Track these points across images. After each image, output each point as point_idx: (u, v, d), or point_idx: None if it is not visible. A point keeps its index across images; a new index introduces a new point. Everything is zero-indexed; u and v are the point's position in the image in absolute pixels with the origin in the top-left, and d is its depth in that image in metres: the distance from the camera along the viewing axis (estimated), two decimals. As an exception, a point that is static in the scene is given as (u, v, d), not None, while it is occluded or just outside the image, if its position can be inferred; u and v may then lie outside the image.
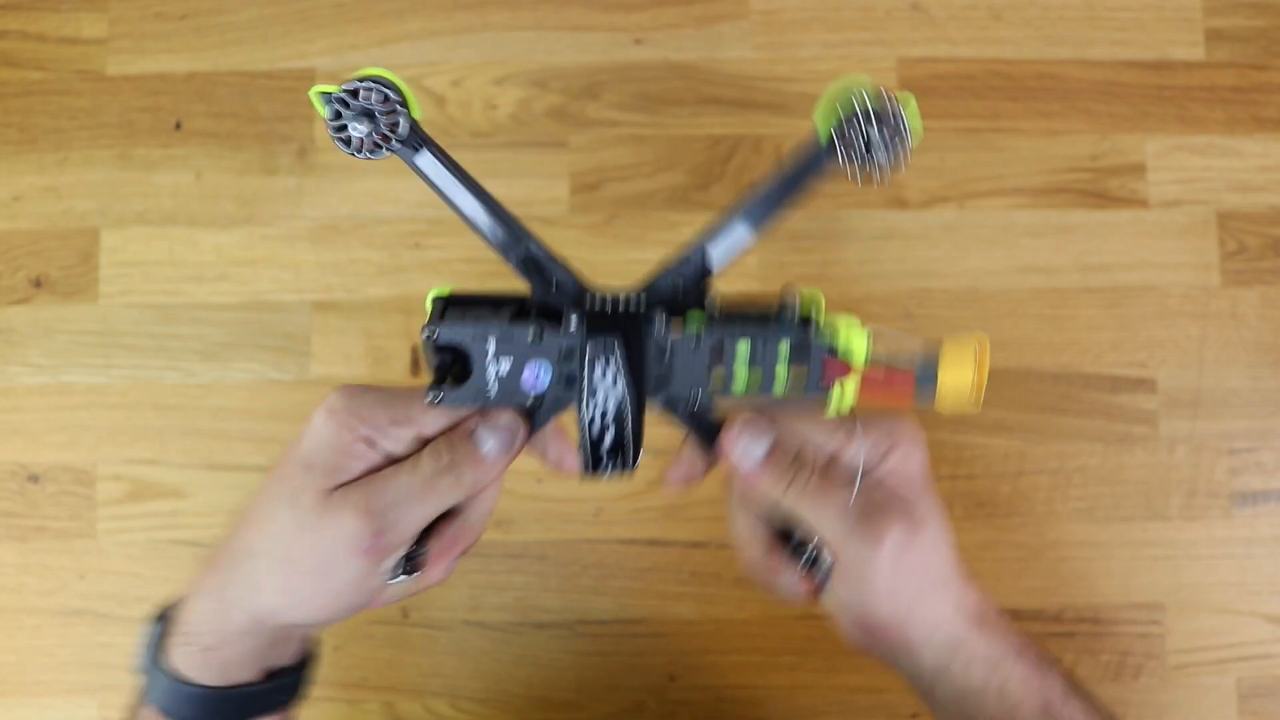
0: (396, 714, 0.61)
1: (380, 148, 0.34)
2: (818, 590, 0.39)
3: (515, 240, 0.36)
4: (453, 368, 0.35)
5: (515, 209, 0.68)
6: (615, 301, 0.37)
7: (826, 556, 0.38)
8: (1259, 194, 0.65)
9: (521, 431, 0.36)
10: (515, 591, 0.62)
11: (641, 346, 0.36)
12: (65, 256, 0.64)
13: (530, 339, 0.35)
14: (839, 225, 0.64)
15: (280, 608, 0.35)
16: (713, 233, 0.37)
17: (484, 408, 0.36)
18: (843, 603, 0.38)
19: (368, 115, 0.34)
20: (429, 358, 0.36)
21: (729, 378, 0.36)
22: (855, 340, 0.36)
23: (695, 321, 0.36)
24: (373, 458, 0.35)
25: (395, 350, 0.63)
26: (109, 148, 0.64)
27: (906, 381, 0.35)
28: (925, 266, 0.64)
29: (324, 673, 0.61)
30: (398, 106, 0.34)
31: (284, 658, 0.39)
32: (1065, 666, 0.40)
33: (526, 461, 0.43)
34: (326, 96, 0.33)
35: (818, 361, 0.36)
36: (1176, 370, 0.64)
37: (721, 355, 0.36)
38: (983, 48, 0.66)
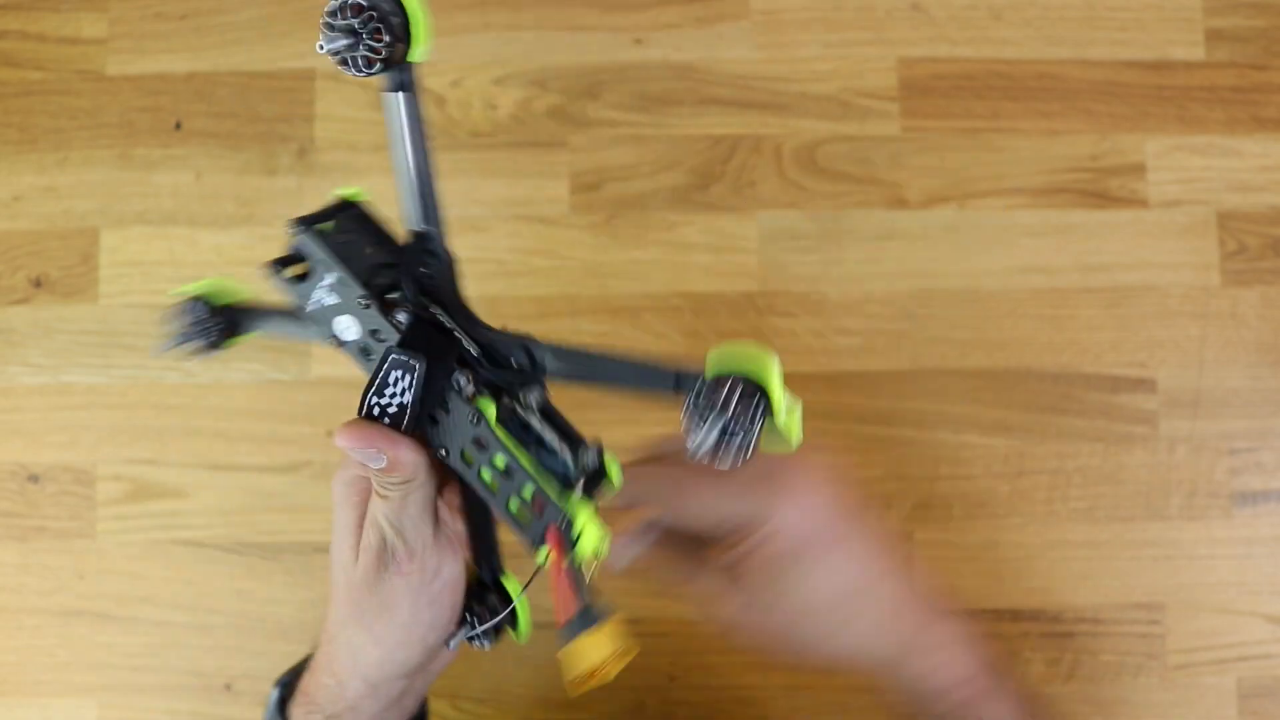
0: (396, 714, 0.61)
1: (368, 68, 0.33)
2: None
3: (422, 216, 0.36)
4: (300, 261, 0.36)
5: (515, 209, 0.68)
6: (452, 325, 0.36)
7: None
8: (1259, 194, 0.65)
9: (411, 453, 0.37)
10: (515, 591, 0.62)
11: (444, 374, 0.36)
12: (65, 256, 0.64)
13: (359, 304, 0.36)
14: (839, 225, 0.64)
15: (379, 659, 0.38)
16: (551, 348, 0.36)
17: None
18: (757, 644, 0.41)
19: (352, 33, 0.32)
20: (288, 235, 0.36)
21: (477, 466, 0.37)
22: (588, 537, 0.37)
23: (486, 409, 0.36)
24: None
25: (395, 350, 0.63)
26: (109, 148, 0.64)
27: (569, 607, 0.36)
28: (925, 266, 0.64)
29: (324, 673, 0.61)
30: (389, 35, 0.32)
31: (398, 717, 0.42)
32: (1021, 680, 0.42)
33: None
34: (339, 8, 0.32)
35: (544, 524, 0.37)
36: (1176, 370, 0.64)
37: (482, 446, 0.36)
38: (983, 48, 0.66)
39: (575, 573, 0.37)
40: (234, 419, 0.63)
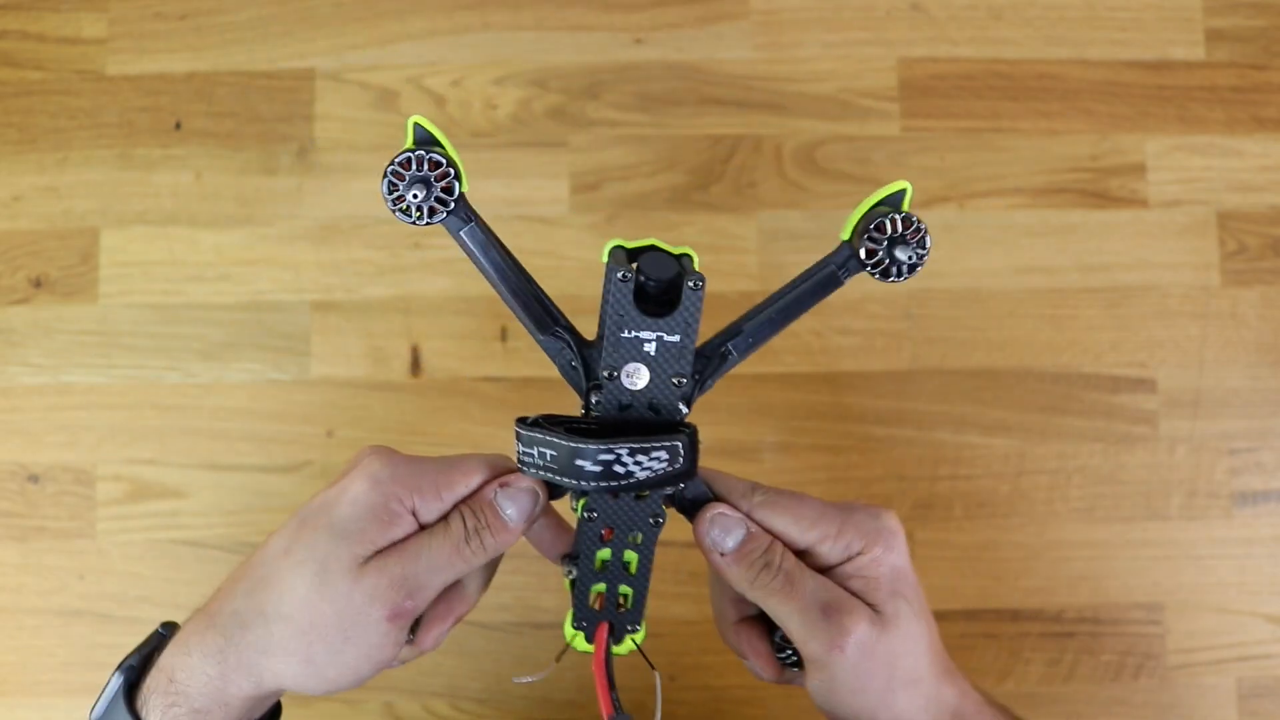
0: (396, 714, 0.61)
1: (435, 213, 0.35)
2: (785, 675, 0.41)
3: (551, 320, 0.37)
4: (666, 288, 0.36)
5: (515, 209, 0.68)
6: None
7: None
8: (1259, 194, 0.65)
9: (541, 497, 0.37)
10: (515, 591, 0.62)
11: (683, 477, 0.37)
12: (65, 256, 0.64)
13: (674, 380, 0.36)
14: (839, 225, 0.64)
15: (291, 675, 0.35)
16: (734, 332, 0.38)
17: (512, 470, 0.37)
18: (813, 694, 0.39)
19: (423, 181, 0.34)
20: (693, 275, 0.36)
21: (603, 546, 0.38)
22: (628, 645, 0.39)
23: (664, 516, 0.38)
24: (411, 527, 0.36)
25: (395, 350, 0.63)
26: (109, 148, 0.64)
27: (606, 707, 0.37)
28: (925, 266, 0.64)
29: (324, 673, 0.61)
30: (450, 172, 0.35)
31: (262, 709, 0.38)
32: None
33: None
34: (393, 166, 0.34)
35: (601, 618, 0.39)
36: (1176, 370, 0.64)
37: (630, 538, 0.38)
38: (983, 48, 0.66)
39: (609, 668, 0.38)
40: (234, 419, 0.63)
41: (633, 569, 0.39)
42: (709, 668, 0.62)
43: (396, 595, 0.34)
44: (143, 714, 0.36)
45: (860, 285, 0.64)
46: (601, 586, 0.39)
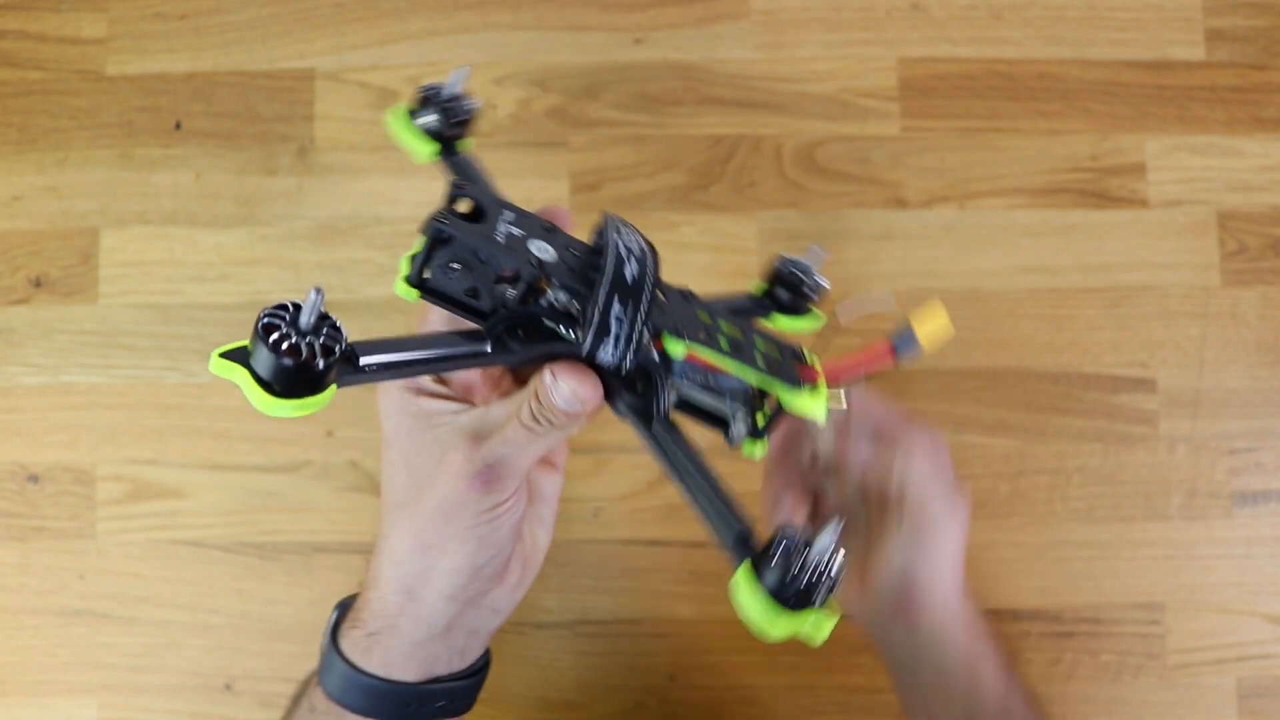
0: (396, 714, 0.61)
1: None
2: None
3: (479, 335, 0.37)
4: (460, 201, 0.38)
5: (515, 209, 0.67)
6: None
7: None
8: (1259, 194, 0.65)
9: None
10: (515, 591, 0.62)
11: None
12: (65, 256, 0.64)
13: (543, 228, 0.38)
14: (839, 225, 0.64)
15: (423, 569, 0.36)
16: None
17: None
18: (894, 563, 0.42)
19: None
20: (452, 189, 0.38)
21: (714, 331, 0.37)
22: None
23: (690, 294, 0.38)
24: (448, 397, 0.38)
25: (395, 350, 0.63)
26: (109, 148, 0.64)
27: (884, 353, 0.35)
28: (925, 266, 0.64)
29: (324, 673, 0.61)
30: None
31: (449, 664, 0.39)
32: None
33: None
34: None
35: (789, 366, 0.37)
36: (1176, 370, 0.64)
37: (709, 322, 0.38)
38: (983, 48, 0.66)
39: (845, 358, 0.37)
40: (234, 419, 0.63)
41: (736, 334, 0.38)
42: (709, 668, 0.62)
43: (486, 485, 0.35)
44: (339, 642, 0.39)
45: (861, 285, 0.64)
46: (759, 359, 0.37)
